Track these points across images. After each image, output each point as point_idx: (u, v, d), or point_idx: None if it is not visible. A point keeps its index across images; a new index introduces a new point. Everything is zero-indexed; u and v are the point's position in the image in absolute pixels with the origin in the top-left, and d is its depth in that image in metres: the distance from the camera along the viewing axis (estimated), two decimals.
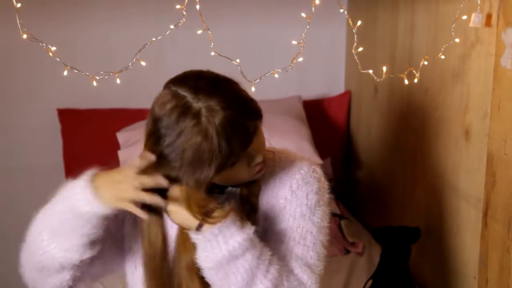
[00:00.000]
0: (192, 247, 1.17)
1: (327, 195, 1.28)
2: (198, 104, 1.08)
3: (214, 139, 1.07)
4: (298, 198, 1.23)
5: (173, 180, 1.13)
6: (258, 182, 1.25)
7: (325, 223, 1.26)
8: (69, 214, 1.11)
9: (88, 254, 1.15)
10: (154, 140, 1.11)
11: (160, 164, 1.11)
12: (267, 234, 1.23)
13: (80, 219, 1.11)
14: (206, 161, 1.08)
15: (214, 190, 1.23)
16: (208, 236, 1.12)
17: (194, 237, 1.14)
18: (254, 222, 1.20)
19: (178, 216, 1.14)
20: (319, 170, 1.29)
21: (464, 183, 1.86)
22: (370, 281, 1.98)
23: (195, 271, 1.18)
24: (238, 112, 1.11)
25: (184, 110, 1.08)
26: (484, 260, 1.76)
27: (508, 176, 1.62)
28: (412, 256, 1.96)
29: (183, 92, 1.10)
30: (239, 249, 1.12)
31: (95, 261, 1.22)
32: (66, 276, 1.18)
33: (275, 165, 1.27)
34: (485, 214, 1.74)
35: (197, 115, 1.08)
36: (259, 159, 1.18)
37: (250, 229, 1.15)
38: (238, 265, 1.13)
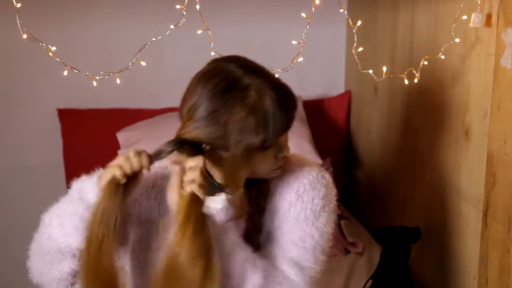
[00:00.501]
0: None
1: (334, 202, 1.27)
2: (248, 80, 1.11)
3: (260, 113, 1.10)
4: (303, 202, 1.23)
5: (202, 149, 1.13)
6: (268, 183, 1.25)
7: (329, 229, 1.24)
8: (76, 196, 1.18)
9: None
10: (194, 111, 1.11)
11: (199, 133, 1.11)
12: (270, 236, 1.22)
13: (83, 203, 1.16)
14: (252, 131, 1.10)
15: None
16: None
17: None
18: (258, 223, 1.20)
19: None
20: (328, 176, 1.28)
21: (464, 183, 1.86)
22: (370, 281, 1.98)
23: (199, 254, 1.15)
24: (284, 96, 1.16)
25: (232, 83, 1.11)
26: (484, 260, 1.76)
27: (508, 176, 1.62)
28: (412, 256, 1.96)
29: (232, 68, 1.13)
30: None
31: None
32: (66, 267, 1.19)
33: (285, 168, 1.26)
34: (485, 214, 1.74)
35: (245, 89, 1.11)
36: (285, 153, 1.20)
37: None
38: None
